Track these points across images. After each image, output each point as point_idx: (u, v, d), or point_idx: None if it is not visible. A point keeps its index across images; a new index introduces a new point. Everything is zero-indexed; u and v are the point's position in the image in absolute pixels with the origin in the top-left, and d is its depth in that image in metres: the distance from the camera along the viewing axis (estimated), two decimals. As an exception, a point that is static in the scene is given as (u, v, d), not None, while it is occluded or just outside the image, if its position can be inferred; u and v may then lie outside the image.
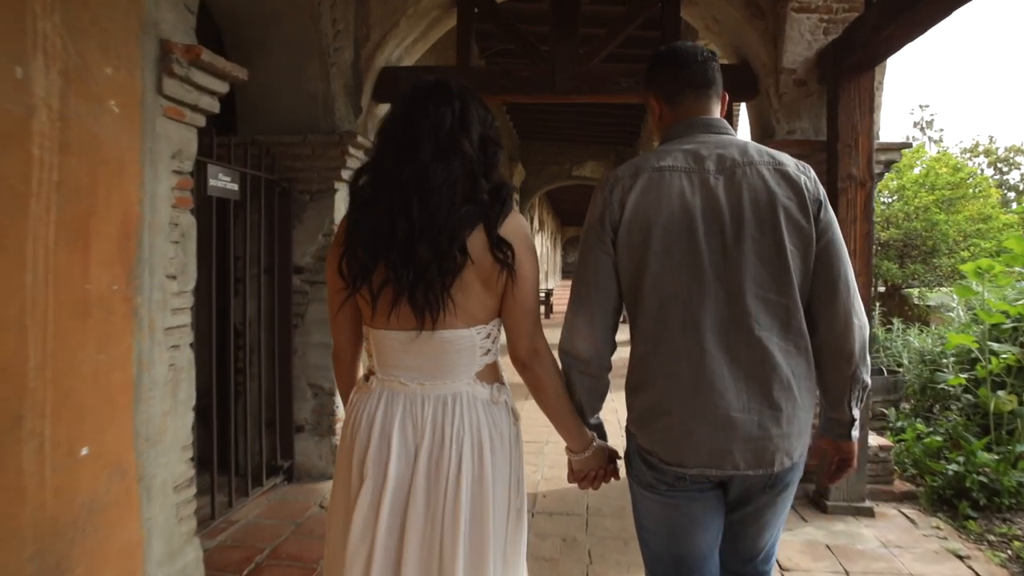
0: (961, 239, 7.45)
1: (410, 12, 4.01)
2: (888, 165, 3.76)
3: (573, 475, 1.47)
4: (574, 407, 1.39)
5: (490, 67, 4.58)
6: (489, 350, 1.34)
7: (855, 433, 1.42)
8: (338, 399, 3.87)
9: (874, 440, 3.69)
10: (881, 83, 3.61)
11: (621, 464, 1.49)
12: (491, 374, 1.36)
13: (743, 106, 4.73)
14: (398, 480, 1.26)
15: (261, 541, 3.01)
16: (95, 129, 1.82)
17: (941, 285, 7.63)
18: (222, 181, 3.10)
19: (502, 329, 1.38)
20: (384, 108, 4.29)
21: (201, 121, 2.36)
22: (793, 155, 3.35)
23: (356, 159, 3.85)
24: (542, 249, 22.71)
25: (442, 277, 1.22)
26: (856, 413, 1.39)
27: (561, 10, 4.02)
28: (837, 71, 3.45)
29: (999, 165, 25.34)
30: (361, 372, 1.48)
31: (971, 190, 7.99)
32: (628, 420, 1.41)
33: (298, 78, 3.72)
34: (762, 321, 1.27)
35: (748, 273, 1.27)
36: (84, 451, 1.80)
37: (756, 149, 1.36)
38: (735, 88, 4.04)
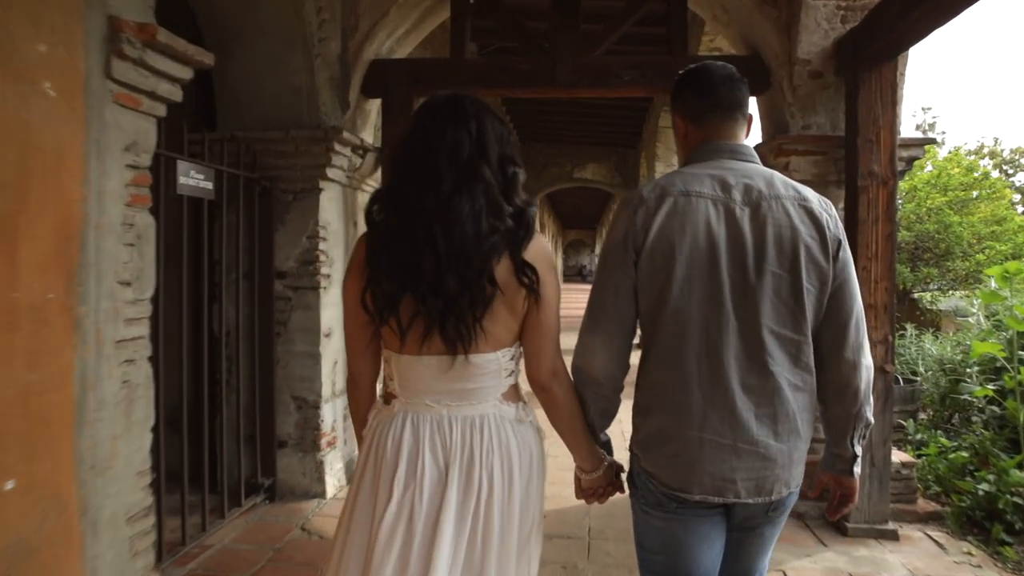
0: (975, 241, 7.21)
1: (401, 1, 3.78)
2: (910, 162, 3.52)
3: (581, 492, 1.50)
4: (587, 426, 1.41)
5: (487, 60, 4.34)
6: (512, 371, 1.35)
7: (857, 470, 1.43)
8: (324, 411, 3.63)
9: (896, 456, 3.44)
10: (903, 74, 3.37)
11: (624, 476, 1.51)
12: (515, 394, 1.37)
13: (753, 101, 4.48)
14: (431, 496, 1.26)
15: (235, 570, 2.77)
16: (23, 115, 1.59)
17: (955, 289, 7.38)
18: (194, 179, 2.87)
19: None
20: (374, 103, 4.07)
21: (161, 110, 2.13)
22: (809, 151, 3.09)
23: (342, 156, 3.62)
24: (543, 252, 22.45)
25: (472, 309, 1.22)
26: (859, 450, 1.41)
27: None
28: (857, 61, 3.22)
29: (1004, 167, 25.13)
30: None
31: (985, 191, 7.75)
32: (633, 441, 1.42)
33: (280, 70, 3.49)
34: (775, 356, 1.29)
35: (765, 308, 1.29)
36: (9, 485, 1.56)
37: (782, 181, 1.36)
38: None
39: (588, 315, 1.39)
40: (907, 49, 3.11)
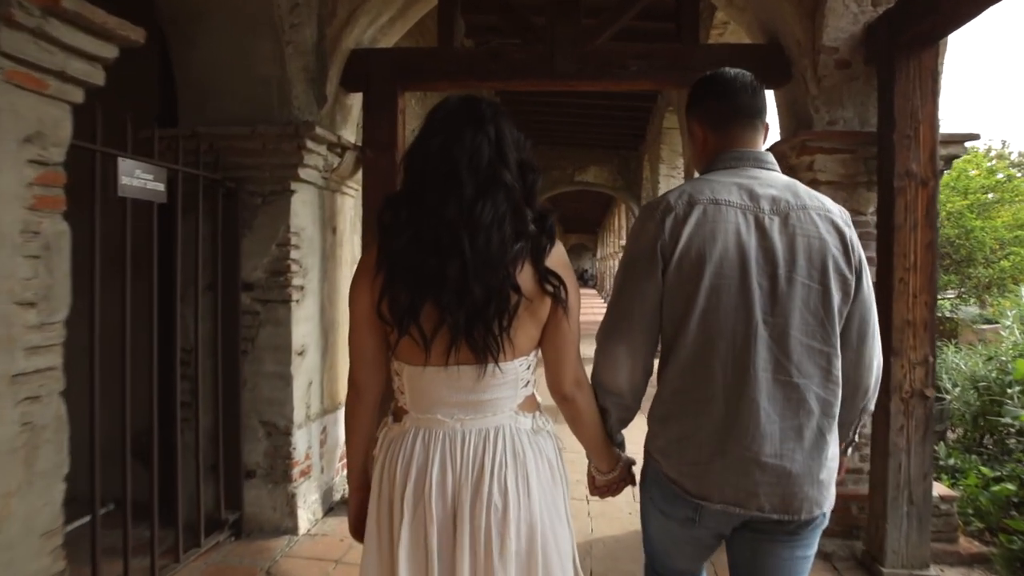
0: (998, 247, 6.83)
1: (383, -16, 3.43)
2: (950, 161, 3.16)
3: (596, 490, 1.52)
4: (606, 431, 1.43)
5: (479, 50, 3.99)
6: (529, 381, 1.34)
7: (849, 451, 1.49)
8: (296, 438, 3.27)
9: (934, 489, 3.07)
10: (942, 63, 3.01)
11: (635, 469, 1.53)
12: (531, 404, 1.35)
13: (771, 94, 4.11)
14: (442, 515, 1.24)
15: (183, 629, 2.41)
16: None
17: (977, 296, 7.01)
18: (140, 179, 2.51)
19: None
20: (356, 98, 3.71)
21: (76, 95, 1.78)
22: (836, 149, 2.86)
23: (316, 155, 3.26)
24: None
25: (499, 317, 1.20)
26: (857, 436, 1.48)
27: (560, -19, 3.44)
28: (892, 47, 2.86)
29: (1012, 170, 24.81)
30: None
31: (1007, 194, 7.38)
32: (652, 447, 1.41)
33: (246, 59, 3.13)
34: (804, 368, 1.28)
35: (795, 319, 1.28)
36: None
37: (806, 191, 1.36)
38: (762, 73, 3.43)
39: (610, 324, 1.38)
40: (951, 32, 2.75)
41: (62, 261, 1.76)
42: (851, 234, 1.34)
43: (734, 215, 1.30)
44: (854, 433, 1.45)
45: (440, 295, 1.18)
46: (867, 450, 3.16)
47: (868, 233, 3.22)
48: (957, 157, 3.18)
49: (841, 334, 1.33)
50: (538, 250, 1.23)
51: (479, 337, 1.20)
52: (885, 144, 2.92)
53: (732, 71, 1.44)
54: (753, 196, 1.32)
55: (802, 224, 1.30)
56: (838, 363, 1.31)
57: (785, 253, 1.29)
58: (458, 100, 1.27)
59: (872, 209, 3.17)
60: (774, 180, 1.36)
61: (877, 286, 3.07)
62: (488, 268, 1.17)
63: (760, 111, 1.42)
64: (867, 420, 1.43)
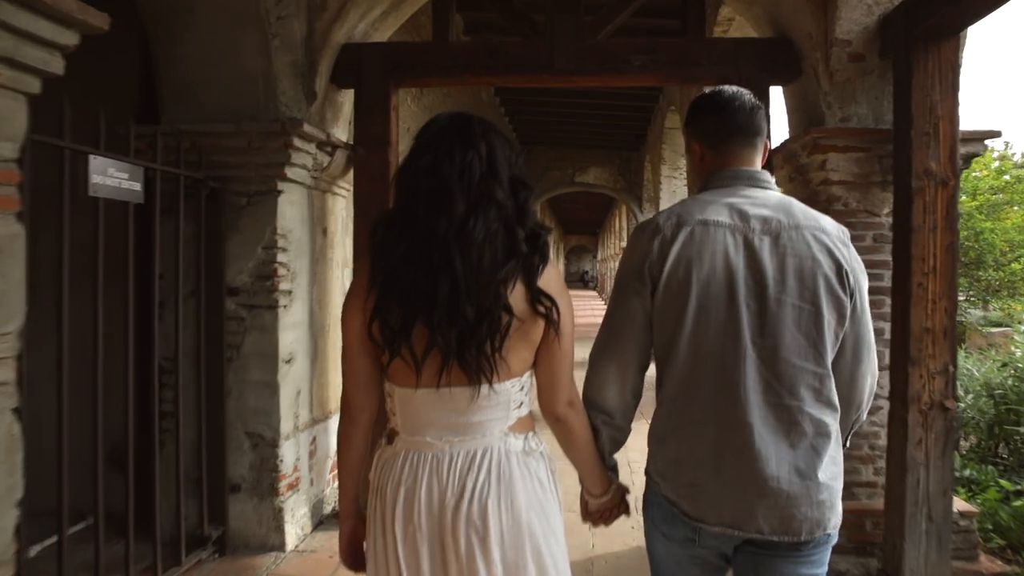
0: (1008, 249, 6.67)
1: (375, -24, 3.29)
2: (968, 160, 3.02)
3: (588, 515, 1.51)
4: (598, 452, 1.42)
5: (475, 44, 3.85)
6: (522, 403, 1.32)
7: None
8: (284, 449, 3.12)
9: (954, 504, 2.92)
10: (962, 55, 2.86)
11: (629, 498, 1.52)
12: (523, 425, 1.33)
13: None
14: (431, 538, 1.24)
15: (157, 657, 2.26)
16: None
17: (986, 300, 6.86)
18: (114, 178, 2.37)
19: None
20: (347, 94, 3.57)
21: (31, 85, 1.63)
22: (850, 147, 2.72)
23: (305, 153, 3.12)
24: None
25: (491, 338, 1.19)
26: (847, 443, 1.45)
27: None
28: (909, 39, 2.71)
29: (1019, 171, 24.67)
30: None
31: (1018, 195, 7.22)
32: (651, 468, 1.40)
33: (231, 53, 2.99)
34: (796, 390, 1.28)
35: (785, 340, 1.28)
36: None
37: (800, 210, 1.35)
38: (771, 68, 3.31)
39: (601, 343, 1.40)
40: (973, 23, 2.60)
41: (15, 266, 1.61)
42: (847, 253, 1.33)
43: (723, 236, 1.30)
44: (846, 441, 1.45)
45: (431, 314, 1.17)
46: (881, 463, 3.01)
47: (882, 236, 3.08)
48: (976, 156, 3.04)
49: (839, 349, 1.33)
50: (530, 269, 1.21)
51: (471, 358, 1.19)
52: (902, 142, 2.77)
53: (731, 89, 1.44)
54: (744, 216, 1.32)
55: (793, 244, 1.29)
56: (831, 384, 1.30)
57: (775, 274, 1.28)
58: (448, 117, 1.27)
59: (887, 210, 3.03)
60: (767, 199, 1.36)
61: (894, 291, 2.93)
62: (479, 286, 1.17)
63: (758, 130, 1.42)
64: (857, 427, 1.46)
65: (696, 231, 1.31)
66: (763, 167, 1.45)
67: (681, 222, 1.33)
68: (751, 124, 1.41)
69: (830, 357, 1.30)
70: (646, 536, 1.47)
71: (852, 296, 1.31)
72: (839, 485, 1.32)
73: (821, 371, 1.29)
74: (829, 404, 1.30)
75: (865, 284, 1.35)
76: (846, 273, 1.30)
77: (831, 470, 1.30)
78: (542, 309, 1.22)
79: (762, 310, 1.28)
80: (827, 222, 1.36)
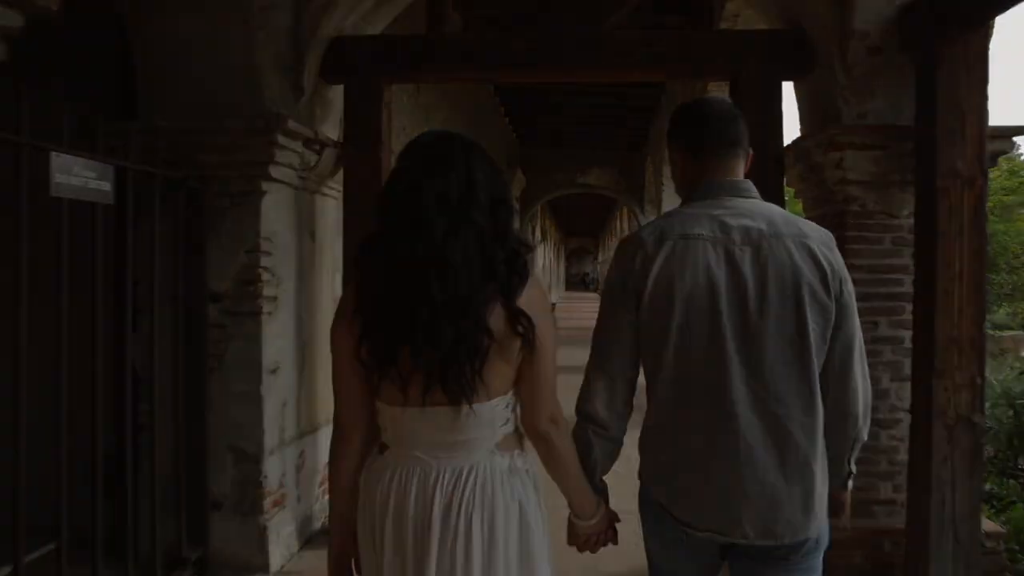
0: (1021, 251, 6.50)
1: (366, -36, 3.12)
2: (995, 158, 2.84)
3: (575, 539, 1.48)
4: (584, 472, 1.41)
5: (473, 37, 3.68)
6: (508, 420, 1.34)
7: (850, 483, 1.49)
8: (268, 464, 2.95)
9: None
10: (990, 46, 2.69)
11: (619, 527, 1.52)
12: (510, 443, 1.35)
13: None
14: (419, 549, 1.26)
15: None
16: None
17: (1000, 305, 6.69)
18: (80, 177, 2.20)
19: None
20: (338, 90, 3.39)
21: (-29, 73, 1.46)
22: (868, 144, 2.76)
23: (290, 152, 2.95)
24: (544, 261, 21.86)
25: (471, 359, 1.21)
26: (854, 467, 1.46)
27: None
28: (934, 30, 2.55)
29: (1021, 173, 24.50)
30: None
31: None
32: (643, 472, 1.43)
33: (212, 46, 2.82)
34: (783, 399, 1.30)
35: (769, 350, 1.29)
36: None
37: (783, 218, 1.36)
38: (783, 61, 3.14)
39: (592, 357, 1.43)
40: (1004, 11, 2.43)
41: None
42: (831, 257, 1.33)
43: (704, 248, 1.32)
44: (850, 464, 1.45)
45: (412, 337, 1.19)
46: (900, 479, 2.85)
47: (902, 239, 2.92)
48: (1004, 153, 2.87)
49: (828, 356, 1.34)
50: (508, 290, 1.22)
51: (452, 380, 1.21)
52: (925, 139, 2.60)
53: (712, 99, 1.49)
54: (724, 227, 1.34)
55: (774, 253, 1.31)
56: (817, 391, 1.31)
57: (756, 284, 1.30)
58: (431, 136, 1.29)
59: (907, 212, 2.86)
60: (749, 208, 1.37)
61: (916, 298, 2.76)
62: (458, 309, 1.18)
63: (740, 139, 1.43)
64: (858, 449, 1.45)
65: (677, 245, 1.33)
66: (746, 176, 1.45)
67: (663, 236, 1.35)
68: (732, 134, 1.42)
69: (816, 364, 1.31)
70: (644, 538, 1.50)
71: (837, 301, 1.32)
72: (825, 491, 1.35)
73: (808, 379, 1.30)
74: (817, 412, 1.31)
75: (851, 288, 1.36)
76: (831, 277, 1.31)
77: (816, 477, 1.32)
78: (520, 329, 1.23)
79: (745, 321, 1.30)
80: (809, 228, 1.37)
